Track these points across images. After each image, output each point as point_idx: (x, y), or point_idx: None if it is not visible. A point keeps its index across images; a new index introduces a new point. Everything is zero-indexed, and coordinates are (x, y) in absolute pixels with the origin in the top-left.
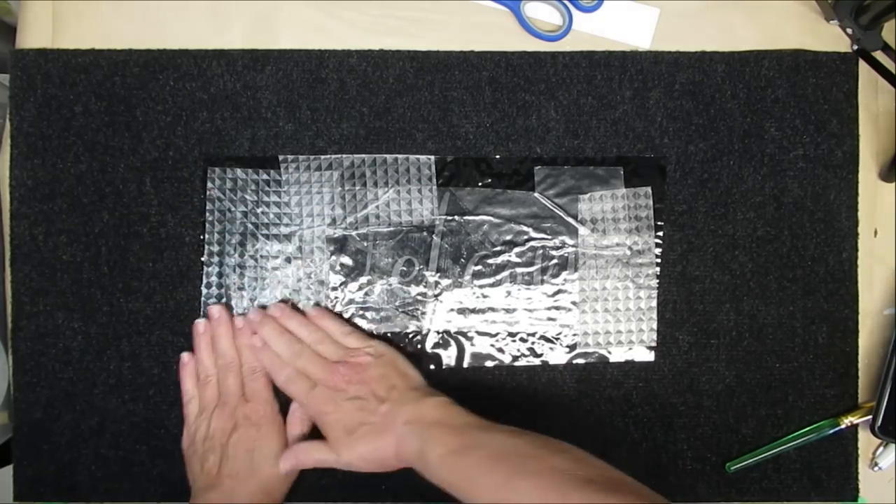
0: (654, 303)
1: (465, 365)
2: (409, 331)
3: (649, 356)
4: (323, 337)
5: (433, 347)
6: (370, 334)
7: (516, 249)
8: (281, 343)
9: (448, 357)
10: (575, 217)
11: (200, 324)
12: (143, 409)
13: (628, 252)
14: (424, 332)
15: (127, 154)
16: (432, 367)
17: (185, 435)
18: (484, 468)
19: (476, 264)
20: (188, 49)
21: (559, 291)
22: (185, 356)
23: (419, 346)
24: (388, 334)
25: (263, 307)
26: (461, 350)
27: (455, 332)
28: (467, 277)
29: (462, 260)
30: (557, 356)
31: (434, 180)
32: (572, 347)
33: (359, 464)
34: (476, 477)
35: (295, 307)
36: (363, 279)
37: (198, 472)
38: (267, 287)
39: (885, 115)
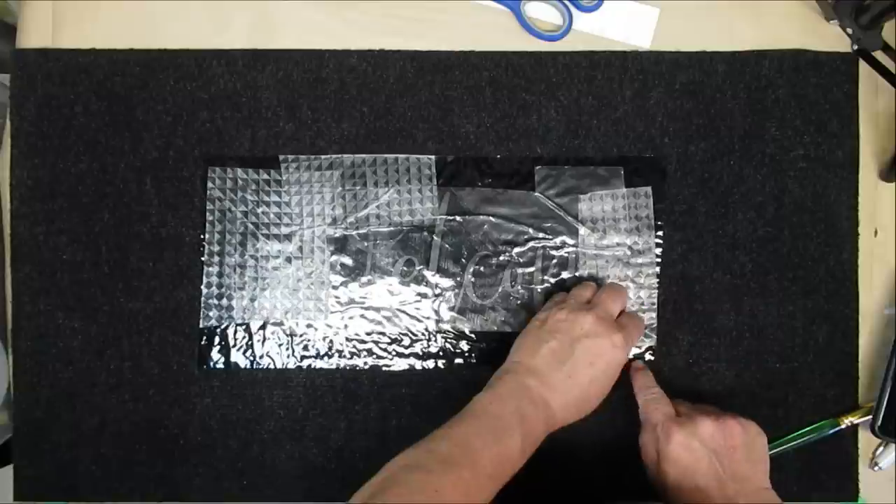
0: (654, 303)
1: (466, 365)
2: (409, 330)
3: (649, 356)
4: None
5: (433, 347)
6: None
7: (516, 249)
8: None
9: (448, 357)
10: (575, 217)
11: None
12: (143, 409)
13: (628, 252)
14: (425, 331)
15: (127, 154)
16: (433, 366)
17: None
18: None
19: (476, 264)
20: (188, 49)
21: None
22: None
23: (420, 346)
24: (389, 334)
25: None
26: (462, 350)
27: (455, 332)
28: (468, 277)
29: (462, 260)
30: None
31: (434, 180)
32: None
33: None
34: None
35: None
36: (363, 279)
37: None
38: (267, 287)
39: (885, 115)
